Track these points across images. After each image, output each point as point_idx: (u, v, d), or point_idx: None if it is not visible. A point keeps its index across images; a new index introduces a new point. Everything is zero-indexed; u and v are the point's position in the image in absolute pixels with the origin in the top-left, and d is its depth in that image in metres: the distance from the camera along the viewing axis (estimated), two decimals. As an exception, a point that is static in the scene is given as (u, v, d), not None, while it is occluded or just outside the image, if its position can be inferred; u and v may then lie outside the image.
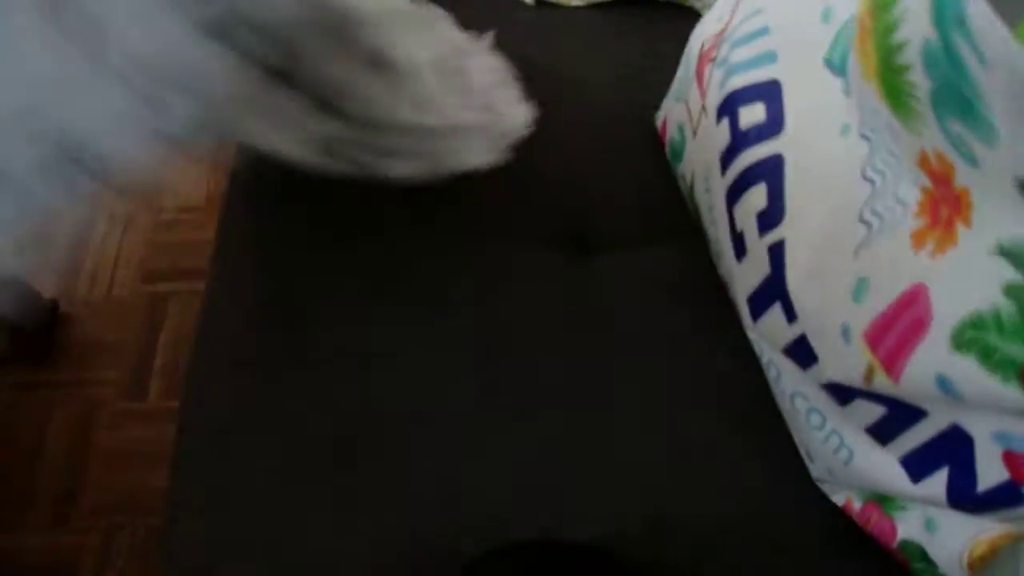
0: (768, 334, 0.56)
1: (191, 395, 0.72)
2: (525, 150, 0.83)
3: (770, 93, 0.60)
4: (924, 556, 0.56)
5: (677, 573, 0.62)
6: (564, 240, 0.79)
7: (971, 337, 0.38)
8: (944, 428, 0.49)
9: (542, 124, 0.85)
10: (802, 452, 0.63)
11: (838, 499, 0.62)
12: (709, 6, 0.82)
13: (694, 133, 0.71)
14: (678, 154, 0.75)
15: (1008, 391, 0.37)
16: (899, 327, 0.42)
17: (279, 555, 0.63)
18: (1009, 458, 0.46)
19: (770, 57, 0.61)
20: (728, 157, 0.62)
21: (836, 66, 0.56)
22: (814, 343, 0.48)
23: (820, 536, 0.63)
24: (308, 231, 0.78)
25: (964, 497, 0.50)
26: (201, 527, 0.65)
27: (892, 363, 0.42)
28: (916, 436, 0.51)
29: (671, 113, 0.77)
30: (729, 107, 0.63)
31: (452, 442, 0.66)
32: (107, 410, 1.21)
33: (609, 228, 0.79)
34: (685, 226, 0.75)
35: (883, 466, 0.54)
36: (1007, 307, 0.38)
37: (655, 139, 0.82)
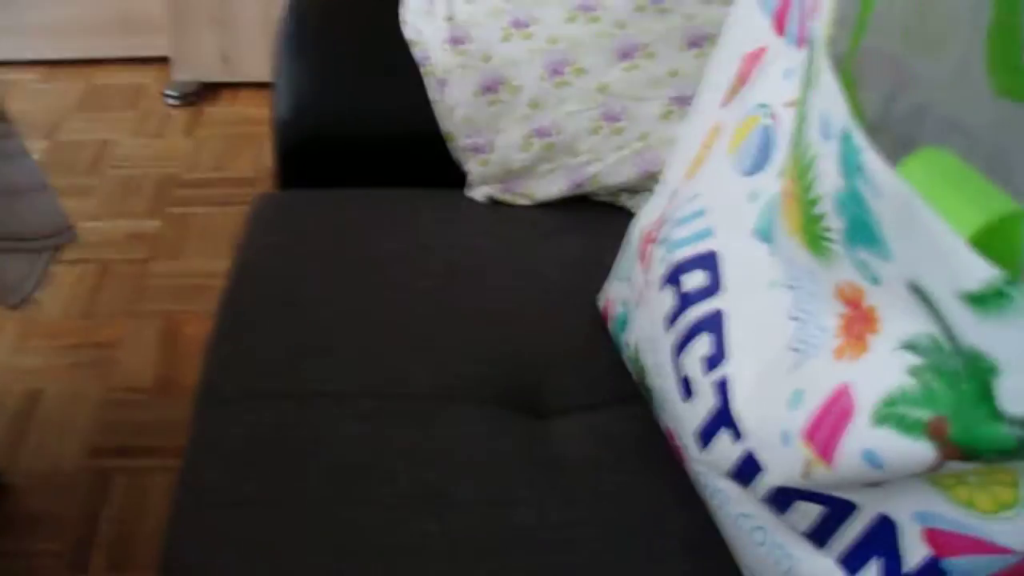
0: (715, 460, 0.65)
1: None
2: (479, 329, 0.93)
3: (709, 262, 0.72)
4: None
5: None
6: (519, 408, 0.88)
7: (887, 412, 0.49)
8: (873, 518, 0.57)
9: (494, 306, 0.96)
10: (747, 575, 0.70)
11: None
12: (638, 205, 0.97)
13: (637, 304, 0.82)
14: (623, 324, 0.86)
15: (919, 446, 0.48)
16: (830, 420, 0.52)
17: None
18: (930, 535, 0.55)
19: (707, 233, 0.73)
20: (674, 316, 0.73)
21: (763, 234, 0.68)
22: (759, 454, 0.58)
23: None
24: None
25: None
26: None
27: (826, 451, 0.51)
28: (849, 532, 0.59)
29: (615, 292, 0.89)
30: (674, 276, 0.74)
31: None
32: (48, 582, 1.20)
33: (559, 396, 0.89)
34: (626, 390, 0.86)
35: (822, 569, 0.62)
36: (911, 383, 0.49)
37: (596, 317, 0.93)
